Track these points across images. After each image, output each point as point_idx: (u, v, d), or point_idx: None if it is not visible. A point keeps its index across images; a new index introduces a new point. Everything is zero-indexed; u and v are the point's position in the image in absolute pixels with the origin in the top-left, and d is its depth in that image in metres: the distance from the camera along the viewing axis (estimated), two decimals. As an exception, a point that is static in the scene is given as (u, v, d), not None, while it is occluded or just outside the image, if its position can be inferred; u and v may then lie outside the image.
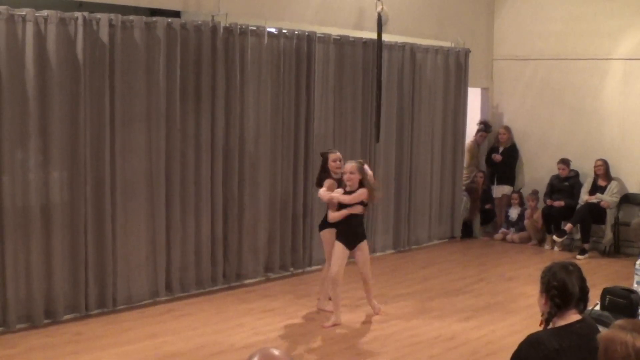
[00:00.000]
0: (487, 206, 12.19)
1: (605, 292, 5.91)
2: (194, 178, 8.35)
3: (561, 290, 3.68)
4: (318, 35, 9.34)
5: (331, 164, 7.71)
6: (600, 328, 3.92)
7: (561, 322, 3.69)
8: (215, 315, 7.77)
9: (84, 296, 7.56)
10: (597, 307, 5.85)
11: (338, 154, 7.83)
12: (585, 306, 3.79)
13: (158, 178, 8.02)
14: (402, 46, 10.54)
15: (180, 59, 8.07)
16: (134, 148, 7.83)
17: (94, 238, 7.60)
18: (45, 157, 7.22)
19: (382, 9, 9.81)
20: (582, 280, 3.75)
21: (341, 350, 6.89)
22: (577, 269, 3.77)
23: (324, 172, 7.78)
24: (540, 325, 3.78)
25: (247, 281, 8.97)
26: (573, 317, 3.70)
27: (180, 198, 8.24)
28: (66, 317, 7.46)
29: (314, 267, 9.62)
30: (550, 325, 3.72)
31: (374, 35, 9.94)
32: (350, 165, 7.46)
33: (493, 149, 12.43)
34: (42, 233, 7.23)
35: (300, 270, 9.53)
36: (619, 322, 3.10)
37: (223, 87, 8.44)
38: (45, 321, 7.31)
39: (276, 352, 2.47)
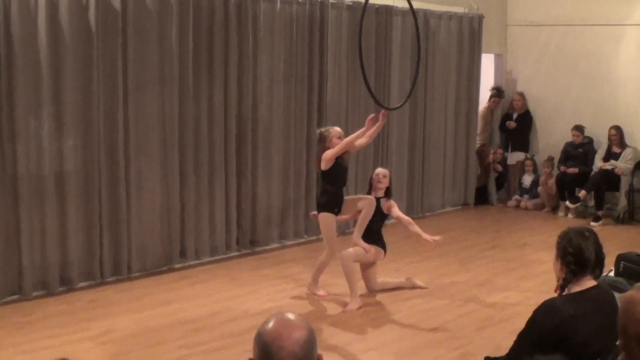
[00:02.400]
0: (496, 167, 12.18)
1: (620, 258, 5.91)
2: (208, 145, 8.34)
3: (577, 256, 3.67)
4: (331, 1, 9.28)
5: (334, 141, 7.24)
6: (615, 294, 3.92)
7: (577, 288, 3.69)
8: (229, 282, 7.80)
9: (98, 263, 7.60)
10: (612, 274, 5.85)
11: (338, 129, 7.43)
12: (600, 272, 3.79)
13: (171, 145, 8.02)
14: (416, 12, 10.45)
15: (192, 25, 8.03)
16: (147, 115, 7.82)
17: (108, 205, 7.62)
18: (58, 125, 7.22)
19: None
20: (598, 246, 3.74)
21: (355, 316, 6.91)
22: (594, 235, 3.76)
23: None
24: (555, 291, 3.78)
25: (260, 248, 9.00)
26: (588, 283, 3.70)
27: (193, 165, 8.25)
28: (81, 284, 7.51)
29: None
30: (566, 291, 3.72)
31: (387, 2, 9.86)
32: (384, 170, 7.60)
33: (507, 116, 12.38)
34: (56, 200, 7.25)
35: (314, 237, 9.52)
36: None
37: (236, 53, 8.41)
38: (60, 288, 7.35)
39: (292, 316, 2.47)
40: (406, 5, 9.62)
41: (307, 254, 8.86)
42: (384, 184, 7.49)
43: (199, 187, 8.35)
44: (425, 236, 7.30)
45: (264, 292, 7.49)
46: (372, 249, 7.33)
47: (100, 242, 7.59)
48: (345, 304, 7.11)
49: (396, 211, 7.48)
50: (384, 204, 7.45)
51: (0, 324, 6.46)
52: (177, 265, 8.23)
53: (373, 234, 7.40)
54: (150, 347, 6.09)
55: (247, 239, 8.88)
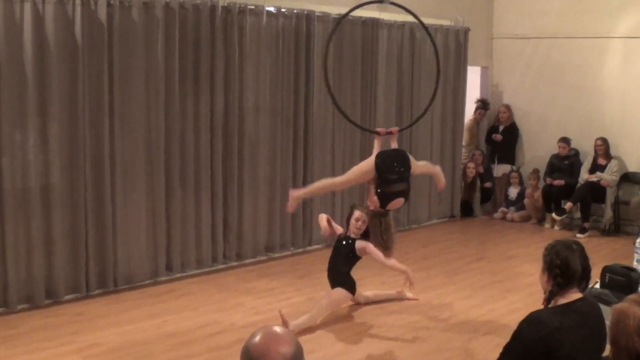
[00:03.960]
0: (486, 184, 12.18)
1: (606, 270, 5.94)
2: (194, 158, 8.33)
3: (564, 269, 3.68)
4: (317, 14, 9.30)
5: (353, 223, 7.26)
6: (601, 306, 3.93)
7: (563, 301, 3.69)
8: (215, 295, 7.78)
9: (84, 276, 7.56)
10: (597, 285, 5.87)
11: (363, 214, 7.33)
12: (587, 285, 3.80)
13: (157, 158, 8.01)
14: (402, 25, 10.51)
15: (178, 38, 8.04)
16: (133, 128, 7.81)
17: (94, 218, 7.60)
18: (44, 138, 7.20)
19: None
20: (585, 259, 3.74)
21: (341, 328, 6.90)
22: (580, 248, 3.77)
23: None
24: (542, 304, 3.79)
25: (247, 261, 8.99)
26: (574, 295, 3.70)
27: (179, 178, 8.24)
28: (67, 297, 7.47)
29: (314, 247, 9.65)
30: (552, 304, 3.73)
31: (374, 14, 9.89)
32: (364, 215, 7.23)
33: (493, 128, 12.42)
34: (42, 214, 7.22)
35: (300, 250, 9.55)
36: (633, 296, 3.14)
37: (222, 66, 8.42)
38: (46, 301, 7.31)
39: (279, 330, 2.47)
40: (393, 18, 9.68)
41: (293, 267, 8.86)
42: (362, 229, 7.24)
43: (185, 199, 8.33)
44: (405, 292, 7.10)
45: (250, 305, 7.47)
46: (343, 293, 7.23)
47: (86, 255, 7.55)
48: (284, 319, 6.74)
49: (371, 249, 7.13)
50: (359, 245, 7.22)
51: (-15, 337, 6.44)
52: (164, 278, 8.20)
53: (341, 275, 7.26)
54: (137, 360, 6.07)
55: (233, 251, 8.87)
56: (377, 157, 7.05)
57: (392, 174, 6.99)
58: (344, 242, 7.29)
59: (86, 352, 6.17)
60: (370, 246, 7.16)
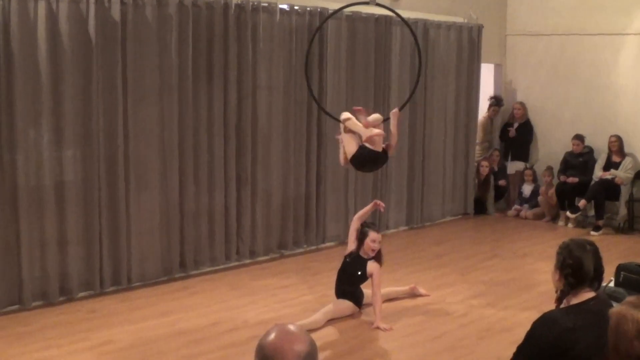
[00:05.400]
0: (501, 182, 12.14)
1: (620, 269, 5.90)
2: (207, 155, 8.35)
3: (576, 269, 3.66)
4: (330, 11, 9.28)
5: (369, 244, 7.15)
6: (614, 304, 3.91)
7: (575, 300, 3.68)
8: (228, 292, 7.79)
9: (98, 273, 7.59)
10: (612, 284, 5.84)
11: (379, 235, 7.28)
12: (599, 285, 3.77)
13: (171, 156, 8.03)
14: (415, 22, 10.48)
15: (192, 36, 8.05)
16: (147, 126, 7.83)
17: (107, 215, 7.63)
18: (58, 136, 7.23)
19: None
20: (598, 260, 3.71)
21: (354, 326, 6.90)
22: (594, 248, 3.73)
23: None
24: (554, 302, 3.77)
25: (260, 258, 9.00)
26: (587, 294, 3.68)
27: (193, 175, 8.26)
28: (81, 294, 7.50)
29: (327, 244, 9.66)
30: (564, 304, 3.71)
31: (386, 11, 9.87)
32: (379, 236, 7.16)
33: (507, 125, 12.39)
34: (56, 211, 7.26)
35: (313, 247, 9.55)
36: (631, 298, 3.08)
37: (235, 64, 8.43)
38: (60, 298, 7.35)
39: (293, 328, 2.47)
40: (406, 15, 9.67)
41: (306, 264, 8.86)
42: (377, 249, 7.13)
43: (199, 197, 8.35)
44: (377, 323, 6.89)
45: (263, 303, 7.48)
46: (348, 304, 7.18)
47: (100, 252, 7.58)
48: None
49: (376, 277, 6.99)
50: (370, 267, 7.07)
51: (0, 334, 6.46)
52: (177, 276, 8.22)
53: (347, 294, 7.21)
54: (150, 358, 6.08)
55: (246, 249, 8.88)
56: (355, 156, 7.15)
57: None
58: (355, 261, 7.18)
59: (99, 350, 6.19)
60: (377, 273, 7.03)
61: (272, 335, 2.43)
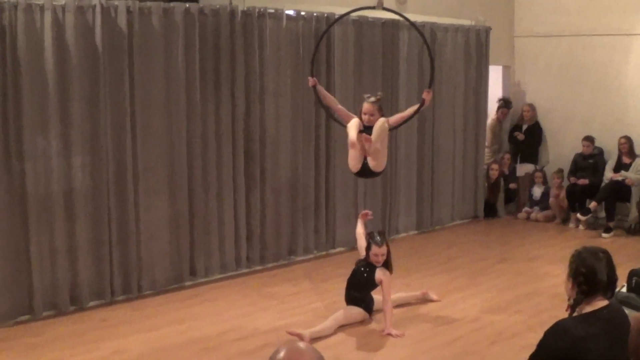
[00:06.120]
0: (511, 185, 12.11)
1: (632, 274, 5.86)
2: (216, 162, 8.34)
3: (589, 277, 3.63)
4: (336, 17, 9.26)
5: (372, 257, 7.10)
6: (627, 311, 3.89)
7: (588, 309, 3.65)
8: (239, 300, 7.78)
9: (109, 282, 7.59)
10: (624, 289, 5.80)
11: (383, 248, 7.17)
12: (612, 294, 3.75)
13: (179, 163, 8.02)
14: (422, 26, 10.44)
15: (199, 44, 8.05)
16: (155, 133, 7.83)
17: (117, 224, 7.62)
18: (66, 144, 7.23)
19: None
20: (612, 269, 3.69)
21: (364, 333, 6.88)
22: (607, 257, 3.71)
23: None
24: (566, 310, 3.75)
25: (270, 264, 8.98)
26: (600, 303, 3.66)
27: (202, 182, 8.25)
28: (91, 303, 7.51)
29: (337, 250, 9.64)
30: (577, 312, 3.68)
31: (393, 15, 9.85)
32: (381, 250, 7.06)
33: (516, 127, 12.35)
34: (65, 219, 7.26)
35: (323, 253, 9.54)
36: None
37: (242, 71, 8.42)
38: (71, 308, 7.35)
39: (302, 345, 2.46)
40: (413, 18, 9.64)
41: (316, 270, 8.85)
42: (381, 261, 7.07)
43: (208, 204, 8.34)
44: (388, 329, 6.85)
45: (274, 310, 7.47)
46: (359, 311, 7.15)
47: (110, 260, 7.58)
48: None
49: (386, 284, 6.97)
50: (378, 274, 7.02)
51: (11, 344, 6.46)
52: (187, 283, 8.22)
53: (356, 301, 7.17)
54: (161, 367, 6.08)
55: (256, 255, 8.87)
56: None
57: None
58: (363, 269, 7.14)
59: (111, 359, 6.18)
60: (387, 280, 7.01)
61: (282, 354, 2.41)
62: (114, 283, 7.64)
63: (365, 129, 7.00)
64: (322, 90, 7.61)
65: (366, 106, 7.14)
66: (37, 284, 7.07)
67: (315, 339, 6.51)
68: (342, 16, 7.98)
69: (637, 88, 11.20)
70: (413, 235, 10.77)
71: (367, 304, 7.22)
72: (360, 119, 7.11)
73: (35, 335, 6.71)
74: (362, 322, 7.09)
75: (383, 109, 7.26)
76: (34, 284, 7.06)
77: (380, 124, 6.99)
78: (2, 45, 6.74)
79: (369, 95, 7.25)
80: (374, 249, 7.06)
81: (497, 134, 12.46)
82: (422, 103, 7.22)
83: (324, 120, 9.31)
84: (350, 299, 7.21)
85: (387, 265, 7.12)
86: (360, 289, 7.17)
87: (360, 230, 7.48)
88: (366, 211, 7.69)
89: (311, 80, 7.43)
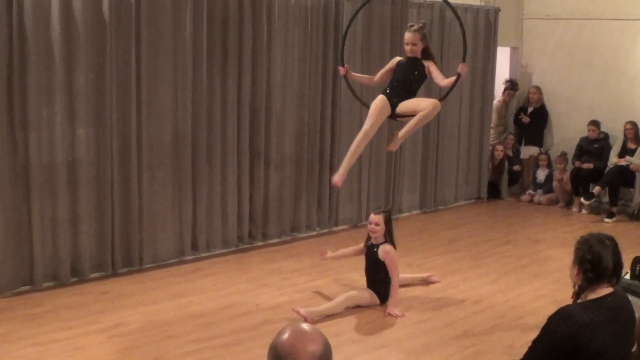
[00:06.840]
0: (515, 168, 12.07)
1: (636, 261, 5.83)
2: (220, 136, 8.30)
3: (595, 264, 3.61)
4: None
5: (367, 227, 7.04)
6: (630, 298, 3.87)
7: (592, 296, 3.63)
8: (241, 275, 7.77)
9: (110, 255, 7.58)
10: (627, 276, 5.78)
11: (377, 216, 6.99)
12: (617, 281, 3.73)
13: (184, 136, 7.99)
14: (431, 5, 10.39)
15: (206, 16, 7.98)
16: (160, 105, 7.79)
17: (120, 196, 7.60)
18: (71, 114, 7.19)
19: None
20: (617, 256, 3.67)
21: (367, 313, 6.86)
22: (614, 244, 3.69)
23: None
24: (572, 297, 3.73)
25: (273, 240, 8.98)
26: (605, 290, 3.64)
27: (206, 156, 8.22)
28: (93, 275, 7.50)
29: (340, 227, 9.63)
30: (582, 298, 3.67)
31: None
32: (376, 217, 6.94)
33: (522, 109, 12.30)
34: (68, 190, 7.23)
35: (326, 230, 9.53)
36: None
37: (250, 44, 8.37)
38: (72, 279, 7.34)
39: (307, 328, 2.44)
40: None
41: (319, 247, 8.80)
42: (378, 232, 6.92)
43: (212, 178, 8.31)
44: (391, 309, 6.81)
45: (276, 286, 7.46)
46: (371, 295, 7.02)
47: (112, 233, 7.56)
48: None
49: (388, 264, 6.86)
50: (382, 250, 6.91)
51: (11, 315, 6.46)
52: (189, 257, 8.21)
53: (375, 283, 7.02)
54: (161, 341, 6.06)
55: (259, 231, 8.86)
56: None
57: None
58: (371, 248, 7.05)
59: (111, 332, 6.17)
60: (389, 257, 6.89)
61: (286, 335, 2.39)
62: (115, 255, 7.62)
63: (392, 110, 6.89)
64: (354, 76, 7.36)
65: (408, 35, 6.88)
66: (38, 255, 7.06)
67: (317, 319, 6.49)
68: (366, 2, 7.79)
69: (645, 73, 11.15)
70: (416, 215, 10.75)
71: (381, 293, 6.99)
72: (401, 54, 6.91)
73: (35, 306, 6.70)
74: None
75: (427, 38, 7.02)
76: (35, 255, 7.05)
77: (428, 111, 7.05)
78: (9, 14, 6.68)
79: (412, 23, 7.00)
80: (370, 216, 6.99)
81: (502, 115, 12.41)
82: (459, 76, 7.00)
83: (331, 97, 9.27)
84: (369, 282, 7.11)
85: (389, 238, 7.00)
86: (370, 271, 7.09)
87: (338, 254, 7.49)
88: (323, 253, 7.55)
89: (342, 70, 7.22)
